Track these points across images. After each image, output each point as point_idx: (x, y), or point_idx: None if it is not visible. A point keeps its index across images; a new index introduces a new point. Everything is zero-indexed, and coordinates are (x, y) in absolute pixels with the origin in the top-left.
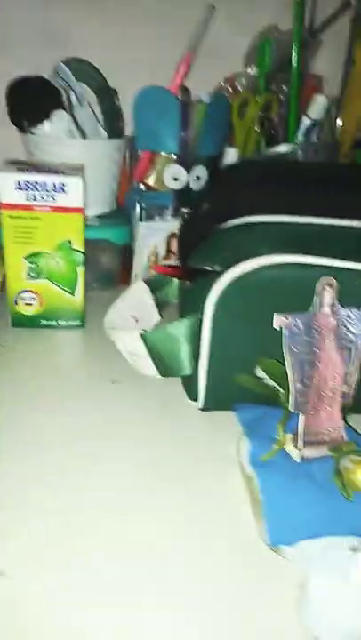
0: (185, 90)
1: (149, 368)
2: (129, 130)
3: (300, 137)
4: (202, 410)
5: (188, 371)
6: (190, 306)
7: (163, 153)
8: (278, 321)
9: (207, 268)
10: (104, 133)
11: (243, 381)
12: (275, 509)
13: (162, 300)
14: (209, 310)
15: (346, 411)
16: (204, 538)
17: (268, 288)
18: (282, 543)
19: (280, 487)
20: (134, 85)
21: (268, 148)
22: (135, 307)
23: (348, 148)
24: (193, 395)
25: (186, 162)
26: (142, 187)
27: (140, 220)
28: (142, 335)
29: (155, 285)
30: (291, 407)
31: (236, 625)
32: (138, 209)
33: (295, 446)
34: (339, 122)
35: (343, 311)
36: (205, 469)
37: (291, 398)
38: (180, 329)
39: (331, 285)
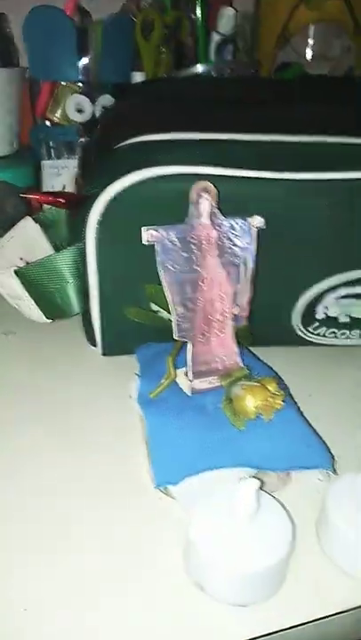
0: (82, 10)
1: (34, 311)
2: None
3: (212, 56)
4: (104, 355)
5: (77, 309)
6: (73, 235)
7: (62, 82)
8: (147, 235)
9: (92, 191)
10: None
11: (134, 315)
12: (160, 447)
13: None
14: (90, 235)
15: (248, 337)
16: (96, 481)
17: (150, 204)
18: (169, 482)
19: (166, 423)
20: (25, 8)
21: (178, 70)
22: (25, 247)
23: (269, 68)
24: (92, 339)
25: (89, 91)
26: (47, 122)
27: (49, 158)
28: (17, 272)
29: (45, 223)
30: (175, 335)
31: (120, 573)
32: (44, 147)
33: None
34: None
35: (226, 222)
36: (105, 418)
37: (173, 325)
38: (61, 261)
39: (208, 191)
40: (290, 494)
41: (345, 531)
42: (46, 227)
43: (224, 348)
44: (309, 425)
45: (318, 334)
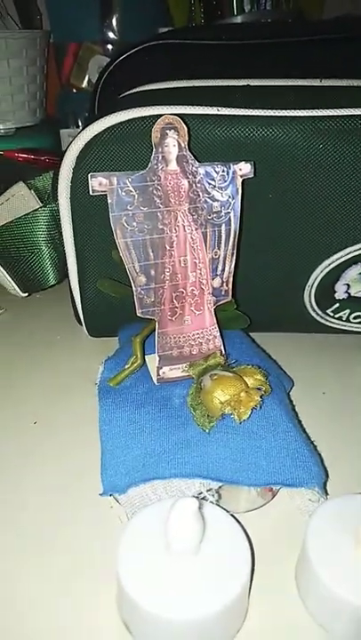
0: None
1: (7, 283)
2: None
3: (246, 6)
4: (91, 336)
5: (52, 279)
6: (53, 197)
7: (85, 44)
8: (95, 183)
9: None
10: (14, 26)
11: (108, 288)
12: (110, 447)
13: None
14: (63, 193)
15: (241, 318)
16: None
17: (126, 152)
18: (115, 490)
19: (121, 418)
20: None
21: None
22: (15, 216)
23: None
24: (77, 316)
25: (115, 52)
26: (74, 90)
27: (76, 127)
28: None
29: (41, 189)
30: (137, 311)
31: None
32: (70, 116)
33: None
34: None
35: (201, 168)
36: (80, 407)
37: (135, 298)
38: (33, 224)
39: (175, 129)
40: (270, 516)
41: (324, 579)
42: (42, 194)
43: (202, 330)
44: (301, 431)
45: (340, 318)
